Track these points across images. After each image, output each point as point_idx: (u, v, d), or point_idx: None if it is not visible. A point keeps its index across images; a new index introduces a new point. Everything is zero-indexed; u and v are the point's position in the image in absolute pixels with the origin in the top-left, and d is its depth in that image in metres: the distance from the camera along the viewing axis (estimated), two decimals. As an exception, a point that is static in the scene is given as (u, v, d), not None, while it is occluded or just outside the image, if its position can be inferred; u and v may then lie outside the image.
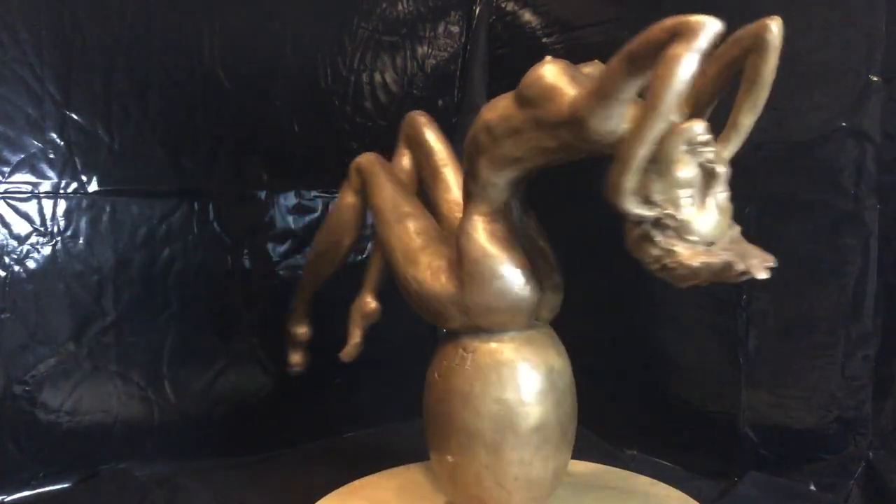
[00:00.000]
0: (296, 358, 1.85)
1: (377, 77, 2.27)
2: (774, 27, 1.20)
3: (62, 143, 1.77)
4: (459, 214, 1.53)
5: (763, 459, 1.81)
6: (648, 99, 1.11)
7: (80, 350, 1.82)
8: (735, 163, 1.80)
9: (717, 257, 1.14)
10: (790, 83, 1.73)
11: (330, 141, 2.20)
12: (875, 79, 1.61)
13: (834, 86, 1.66)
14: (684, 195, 1.16)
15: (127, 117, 1.85)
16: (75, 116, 1.78)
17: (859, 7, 1.63)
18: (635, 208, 1.16)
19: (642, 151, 1.13)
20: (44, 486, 1.79)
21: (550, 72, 1.28)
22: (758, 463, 1.80)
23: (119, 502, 1.72)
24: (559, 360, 1.49)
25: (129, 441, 1.90)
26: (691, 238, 1.16)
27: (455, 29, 2.44)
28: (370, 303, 1.72)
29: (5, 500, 1.74)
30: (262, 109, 2.07)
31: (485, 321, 1.44)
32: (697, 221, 1.17)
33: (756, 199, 1.79)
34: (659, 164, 1.16)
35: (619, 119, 1.18)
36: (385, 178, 1.62)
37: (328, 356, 2.21)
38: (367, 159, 1.67)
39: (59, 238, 1.79)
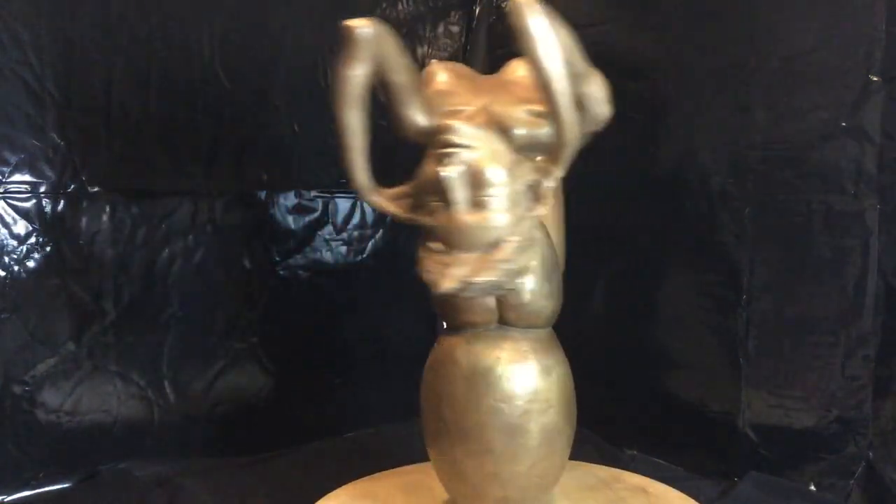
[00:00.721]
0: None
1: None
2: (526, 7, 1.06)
3: (62, 143, 1.77)
4: None
5: (763, 459, 1.81)
6: None
7: (80, 350, 1.82)
8: (735, 163, 1.81)
9: (425, 267, 1.13)
10: (790, 83, 1.74)
11: (330, 141, 2.19)
12: (875, 79, 1.61)
13: (834, 86, 1.66)
14: (434, 200, 1.13)
15: (127, 117, 1.85)
16: (75, 116, 1.78)
17: (859, 7, 1.63)
18: (385, 207, 1.16)
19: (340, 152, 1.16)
20: (44, 486, 1.79)
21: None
22: (758, 463, 1.80)
23: (119, 502, 1.72)
24: (560, 359, 1.49)
25: (129, 441, 1.90)
26: (433, 245, 1.14)
27: (455, 29, 2.44)
28: None
29: (5, 500, 1.74)
30: (262, 109, 2.07)
31: (447, 318, 1.43)
32: (442, 227, 1.13)
33: (756, 199, 1.79)
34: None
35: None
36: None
37: (327, 356, 2.22)
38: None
39: (59, 238, 1.79)
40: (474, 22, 2.48)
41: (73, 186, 1.80)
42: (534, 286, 1.34)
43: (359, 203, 2.26)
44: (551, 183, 1.18)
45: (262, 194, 2.08)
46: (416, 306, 2.44)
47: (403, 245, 2.36)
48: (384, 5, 2.29)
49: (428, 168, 1.15)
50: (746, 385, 1.83)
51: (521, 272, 1.19)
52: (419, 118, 1.19)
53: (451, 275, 1.10)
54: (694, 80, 1.86)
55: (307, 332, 2.18)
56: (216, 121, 1.97)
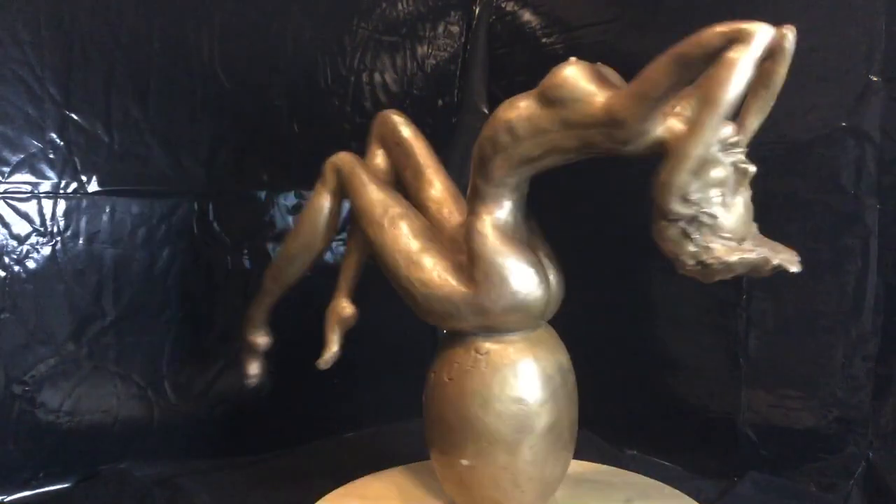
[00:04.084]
0: (253, 368, 1.75)
1: (377, 77, 2.27)
2: (791, 36, 1.22)
3: (62, 143, 1.77)
4: (447, 214, 1.55)
5: (763, 459, 1.81)
6: (706, 101, 1.14)
7: (79, 350, 1.82)
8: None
9: (753, 253, 1.21)
10: (790, 83, 1.73)
11: (330, 141, 2.20)
12: (875, 79, 1.62)
13: (834, 86, 1.66)
14: (716, 194, 1.20)
15: (127, 117, 1.85)
16: (75, 116, 1.78)
17: (859, 7, 1.63)
18: (678, 207, 1.19)
19: (699, 151, 1.16)
20: (44, 486, 1.79)
21: (577, 72, 1.30)
22: (758, 463, 1.80)
23: (119, 502, 1.72)
24: (566, 359, 1.50)
25: (129, 441, 1.90)
26: (724, 235, 1.21)
27: (455, 29, 2.44)
28: (346, 307, 1.66)
29: (5, 500, 1.74)
30: (262, 109, 2.07)
31: (500, 321, 1.44)
32: (728, 219, 1.21)
33: (756, 199, 1.78)
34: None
35: (654, 121, 1.22)
36: (367, 177, 1.58)
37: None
38: (344, 158, 1.61)
39: (59, 238, 1.79)
40: (474, 22, 2.48)
41: (73, 186, 1.80)
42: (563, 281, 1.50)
43: (359, 203, 2.26)
44: None
45: (262, 194, 2.09)
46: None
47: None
48: (384, 5, 2.29)
49: (713, 164, 1.20)
50: (746, 385, 1.83)
51: None
52: (652, 127, 1.24)
53: (787, 257, 1.22)
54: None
55: (307, 332, 2.17)
56: (216, 121, 1.97)
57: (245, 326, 1.74)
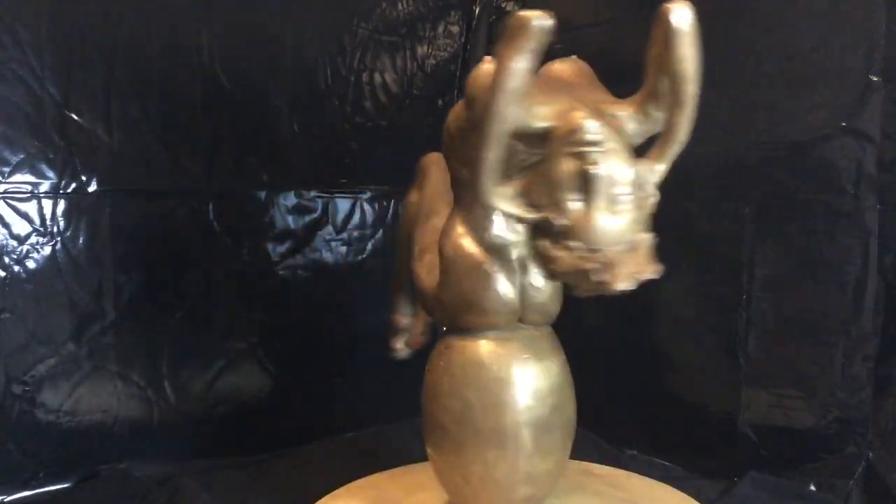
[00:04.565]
0: (397, 343, 1.77)
1: (377, 77, 2.27)
2: (679, 11, 1.10)
3: (62, 143, 1.77)
4: None
5: (763, 459, 1.81)
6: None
7: (80, 350, 1.82)
8: (735, 163, 1.81)
9: (584, 265, 1.13)
10: (790, 83, 1.74)
11: (330, 141, 2.20)
12: (875, 79, 1.62)
13: (834, 86, 1.67)
14: (570, 199, 1.13)
15: (127, 117, 1.85)
16: (75, 116, 1.78)
17: (859, 7, 1.63)
18: (509, 209, 1.15)
19: (486, 153, 1.11)
20: (44, 486, 1.79)
21: (483, 72, 1.22)
22: (758, 463, 1.80)
23: (119, 502, 1.72)
24: (553, 359, 1.47)
25: (129, 441, 1.90)
26: (572, 244, 1.14)
27: (455, 29, 2.44)
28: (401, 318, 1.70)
29: (5, 500, 1.74)
30: (262, 109, 2.07)
31: (463, 319, 1.42)
32: (584, 226, 1.13)
33: (756, 199, 1.79)
34: (542, 166, 1.15)
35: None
36: (434, 177, 1.59)
37: (327, 356, 2.22)
38: (427, 159, 1.64)
39: (59, 238, 1.79)
40: (474, 22, 2.48)
41: (73, 186, 1.80)
42: (551, 286, 1.37)
43: (358, 203, 2.26)
44: (656, 179, 1.19)
45: (262, 194, 2.08)
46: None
47: (403, 245, 2.37)
48: (384, 5, 2.29)
49: (561, 166, 1.13)
50: (746, 385, 1.83)
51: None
52: (527, 118, 1.16)
53: (622, 274, 1.12)
54: (694, 80, 1.87)
55: (307, 332, 2.18)
56: (216, 121, 1.97)
57: (392, 307, 1.76)
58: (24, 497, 1.77)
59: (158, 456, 1.92)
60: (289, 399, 2.12)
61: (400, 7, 2.32)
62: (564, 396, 1.48)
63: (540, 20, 1.05)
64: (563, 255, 1.14)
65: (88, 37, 1.78)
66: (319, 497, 1.69)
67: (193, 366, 1.99)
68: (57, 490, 1.80)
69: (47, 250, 1.78)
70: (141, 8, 1.85)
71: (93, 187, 1.82)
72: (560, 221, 1.14)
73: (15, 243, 1.74)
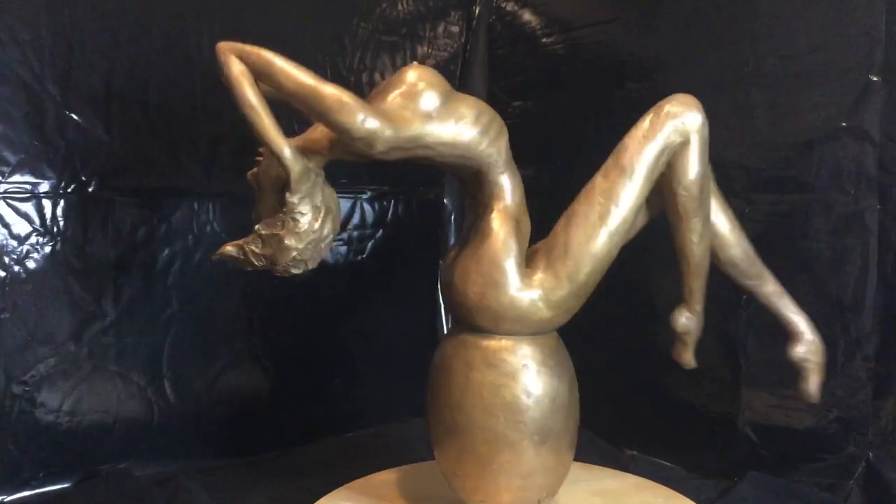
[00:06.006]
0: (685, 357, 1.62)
1: (377, 77, 2.27)
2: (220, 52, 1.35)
3: (62, 143, 1.77)
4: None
5: (763, 459, 1.81)
6: None
7: (80, 350, 1.82)
8: (735, 163, 1.81)
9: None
10: (790, 83, 1.74)
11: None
12: (875, 79, 1.62)
13: (834, 86, 1.67)
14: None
15: (127, 117, 1.85)
16: (75, 116, 1.78)
17: (859, 7, 1.63)
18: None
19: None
20: (44, 486, 1.79)
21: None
22: (758, 463, 1.81)
23: (119, 502, 1.72)
24: (562, 363, 1.49)
25: (129, 441, 1.89)
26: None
27: (455, 29, 2.44)
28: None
29: (5, 500, 1.74)
30: (262, 109, 2.06)
31: (475, 320, 1.45)
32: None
33: (755, 198, 1.79)
34: None
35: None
36: None
37: (327, 356, 2.22)
38: None
39: (59, 238, 1.79)
40: (474, 22, 2.48)
41: (73, 186, 1.80)
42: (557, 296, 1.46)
43: (359, 203, 2.26)
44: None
45: (262, 194, 2.08)
46: (416, 306, 2.44)
47: (403, 245, 2.37)
48: (384, 5, 2.29)
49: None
50: (746, 385, 1.83)
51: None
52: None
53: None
54: (694, 80, 1.86)
55: (307, 332, 2.18)
56: (216, 121, 1.97)
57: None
58: (24, 497, 1.77)
59: (158, 456, 1.92)
60: (289, 399, 2.12)
61: (400, 7, 2.32)
62: (571, 399, 1.49)
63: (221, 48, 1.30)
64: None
65: (88, 37, 1.78)
66: (319, 497, 1.69)
67: (193, 366, 1.99)
68: (57, 490, 1.80)
69: (47, 250, 1.77)
70: (141, 8, 1.85)
71: (93, 187, 1.82)
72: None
73: (15, 243, 1.74)
